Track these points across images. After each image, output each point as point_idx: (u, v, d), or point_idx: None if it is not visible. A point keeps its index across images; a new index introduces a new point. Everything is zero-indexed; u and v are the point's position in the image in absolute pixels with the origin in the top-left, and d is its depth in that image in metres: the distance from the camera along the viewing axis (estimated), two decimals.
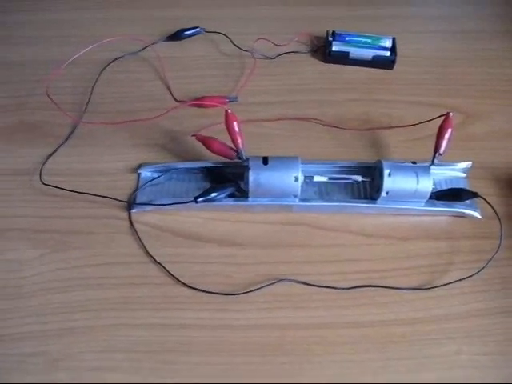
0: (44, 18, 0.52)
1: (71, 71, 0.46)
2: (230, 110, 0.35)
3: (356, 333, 0.32)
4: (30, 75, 0.46)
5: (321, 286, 0.33)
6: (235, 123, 0.35)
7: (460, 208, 0.37)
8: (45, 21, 0.52)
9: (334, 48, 0.47)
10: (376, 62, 0.47)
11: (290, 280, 0.33)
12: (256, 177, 0.35)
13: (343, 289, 0.33)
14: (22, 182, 0.38)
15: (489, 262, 0.34)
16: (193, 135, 0.38)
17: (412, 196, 0.35)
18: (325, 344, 0.31)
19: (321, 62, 0.48)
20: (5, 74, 0.46)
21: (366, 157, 0.40)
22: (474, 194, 0.36)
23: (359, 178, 0.37)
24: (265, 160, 0.35)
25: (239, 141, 0.36)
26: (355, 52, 0.47)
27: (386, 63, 0.47)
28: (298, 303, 0.33)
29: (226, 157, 0.36)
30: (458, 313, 0.33)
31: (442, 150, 0.36)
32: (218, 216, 0.37)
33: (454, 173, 0.39)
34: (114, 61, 0.47)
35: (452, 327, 0.32)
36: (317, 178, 0.37)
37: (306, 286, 0.33)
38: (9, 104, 0.44)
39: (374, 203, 0.36)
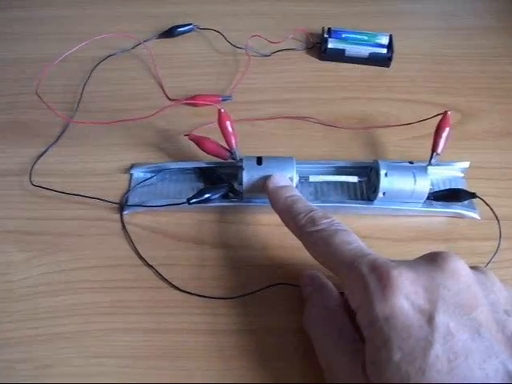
0: (34, 15, 0.51)
1: (62, 69, 0.45)
2: (223, 110, 0.34)
3: None
4: (19, 73, 0.45)
5: None
6: (228, 123, 0.35)
7: (458, 209, 0.36)
8: (35, 18, 0.50)
9: (329, 45, 0.47)
10: (372, 60, 0.46)
11: (285, 283, 0.32)
12: (250, 177, 0.34)
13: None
14: (11, 182, 0.38)
15: (487, 264, 0.33)
16: (185, 135, 0.37)
17: (409, 197, 0.35)
18: None
19: (316, 60, 0.48)
20: None
21: (363, 156, 0.40)
22: (472, 195, 0.35)
23: (355, 179, 0.36)
24: (259, 160, 0.34)
25: (233, 141, 0.35)
26: (351, 49, 0.46)
27: (382, 60, 0.47)
28: (294, 307, 0.32)
29: (219, 157, 0.36)
30: None
31: (439, 149, 0.36)
32: (212, 217, 0.36)
33: (451, 173, 0.38)
34: (105, 58, 0.46)
35: None
36: (312, 179, 0.36)
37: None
38: None
39: (371, 204, 0.36)
